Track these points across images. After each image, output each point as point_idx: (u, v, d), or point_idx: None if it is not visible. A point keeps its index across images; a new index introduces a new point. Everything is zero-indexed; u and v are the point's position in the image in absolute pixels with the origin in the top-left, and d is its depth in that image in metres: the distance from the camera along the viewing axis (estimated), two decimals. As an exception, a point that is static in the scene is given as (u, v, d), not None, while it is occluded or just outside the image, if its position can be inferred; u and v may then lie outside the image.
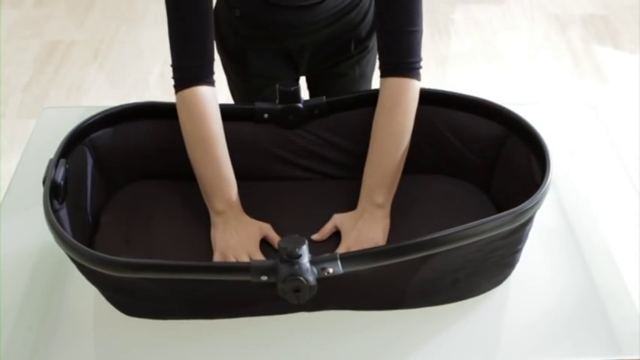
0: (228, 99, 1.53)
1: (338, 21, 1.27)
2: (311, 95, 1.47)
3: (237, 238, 1.06)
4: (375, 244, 1.04)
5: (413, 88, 1.09)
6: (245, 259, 1.03)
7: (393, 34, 1.09)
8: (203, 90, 1.08)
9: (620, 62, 2.94)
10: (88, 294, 1.02)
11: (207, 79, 1.09)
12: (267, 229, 1.09)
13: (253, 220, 1.10)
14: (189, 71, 1.08)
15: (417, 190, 1.16)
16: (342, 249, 1.06)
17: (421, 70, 1.10)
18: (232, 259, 1.03)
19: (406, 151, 1.10)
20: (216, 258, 1.05)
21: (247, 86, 1.39)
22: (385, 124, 1.10)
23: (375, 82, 1.48)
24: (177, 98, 1.09)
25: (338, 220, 1.10)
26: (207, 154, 1.08)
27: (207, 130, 1.08)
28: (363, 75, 1.42)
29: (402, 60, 1.09)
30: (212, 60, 1.10)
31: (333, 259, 0.86)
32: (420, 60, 1.10)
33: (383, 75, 1.11)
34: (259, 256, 1.04)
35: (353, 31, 1.31)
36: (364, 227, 1.07)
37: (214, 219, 1.09)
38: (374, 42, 1.39)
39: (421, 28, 1.09)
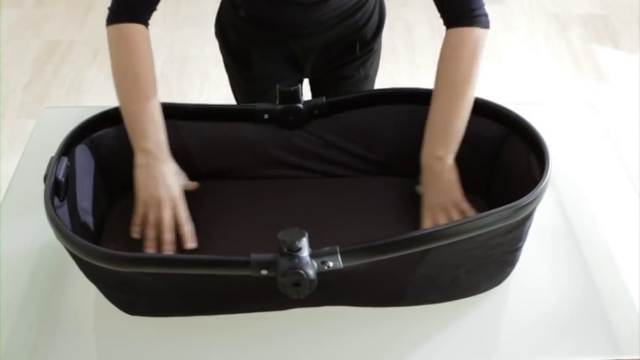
0: (228, 99, 1.53)
1: (343, 22, 1.27)
2: (314, 98, 1.46)
3: (164, 186, 1.03)
4: (452, 202, 1.07)
5: (475, 36, 1.06)
6: (168, 212, 1.02)
7: None
8: (141, 28, 1.07)
9: (620, 62, 2.94)
10: (89, 293, 1.02)
11: (146, 21, 1.08)
12: (185, 181, 1.10)
13: (178, 168, 1.09)
14: (132, 7, 1.07)
15: (415, 193, 1.17)
16: (426, 218, 1.07)
17: (487, 18, 1.07)
18: (154, 211, 1.03)
19: (469, 103, 1.06)
20: (139, 208, 1.04)
21: (251, 88, 1.39)
22: (443, 73, 1.08)
23: (378, 84, 1.49)
24: (110, 31, 1.07)
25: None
26: (137, 89, 1.06)
27: (141, 65, 1.06)
28: (366, 77, 1.42)
29: (460, 11, 1.07)
30: (156, 3, 1.09)
31: (333, 253, 0.86)
32: (481, 6, 1.07)
33: (446, 28, 1.10)
34: (183, 209, 1.04)
35: (358, 32, 1.31)
36: (433, 192, 1.08)
37: (139, 159, 1.05)
38: (378, 44, 1.39)
39: None
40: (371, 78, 1.45)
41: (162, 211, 1.03)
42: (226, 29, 1.34)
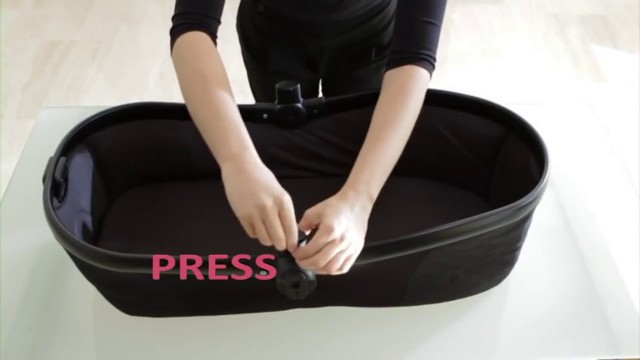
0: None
1: (361, 25, 1.27)
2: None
3: (250, 200, 0.83)
4: (355, 250, 0.85)
5: (422, 77, 1.00)
6: (275, 222, 0.82)
7: (407, 22, 1.03)
8: (203, 35, 0.99)
9: (619, 62, 2.94)
10: (88, 293, 1.02)
11: (210, 31, 1.01)
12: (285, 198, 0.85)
13: (268, 172, 0.88)
14: (191, 18, 1.00)
15: (414, 193, 1.17)
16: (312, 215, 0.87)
17: (433, 70, 1.03)
18: (260, 223, 0.83)
19: (403, 144, 0.99)
20: (248, 230, 0.85)
21: (267, 83, 1.40)
22: (386, 109, 0.99)
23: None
24: (174, 48, 1.00)
25: (320, 208, 0.87)
26: (206, 93, 0.93)
27: (207, 66, 0.95)
28: (379, 84, 1.41)
29: (413, 49, 1.01)
30: (218, 14, 1.02)
31: None
32: (433, 54, 1.02)
33: (390, 67, 1.03)
34: (283, 215, 0.83)
35: (375, 37, 1.31)
36: (357, 223, 0.87)
37: (222, 172, 0.88)
38: None
39: (440, 23, 1.02)
40: None
41: (271, 223, 0.83)
42: (245, 24, 1.35)
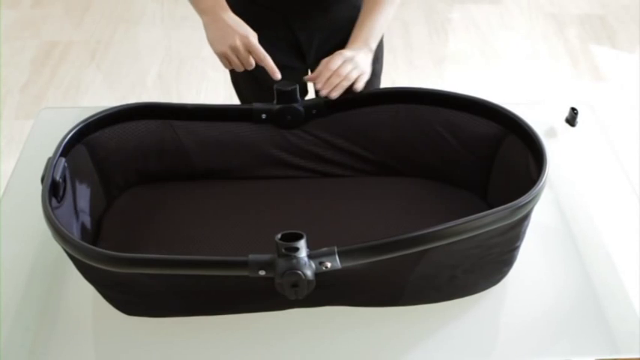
0: (226, 99, 1.53)
1: (343, 1, 1.31)
2: (317, 89, 1.50)
3: (230, 31, 1.12)
4: (363, 72, 1.13)
5: None
6: (244, 54, 1.12)
7: None
8: None
9: (618, 61, 2.94)
10: (86, 293, 1.02)
11: None
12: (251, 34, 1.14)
13: (237, 19, 1.16)
14: None
15: (413, 192, 1.17)
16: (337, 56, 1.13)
17: None
18: (235, 58, 1.13)
19: (393, 14, 1.24)
20: (223, 62, 1.16)
21: (255, 82, 1.40)
22: None
23: (385, 82, 1.48)
24: None
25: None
26: None
27: None
28: (372, 71, 1.44)
29: None
30: None
31: (331, 254, 0.86)
32: None
33: None
34: (256, 41, 1.13)
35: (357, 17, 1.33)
36: (362, 55, 1.16)
37: (204, 21, 1.17)
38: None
39: None
40: (377, 74, 1.46)
41: (239, 51, 1.13)
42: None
